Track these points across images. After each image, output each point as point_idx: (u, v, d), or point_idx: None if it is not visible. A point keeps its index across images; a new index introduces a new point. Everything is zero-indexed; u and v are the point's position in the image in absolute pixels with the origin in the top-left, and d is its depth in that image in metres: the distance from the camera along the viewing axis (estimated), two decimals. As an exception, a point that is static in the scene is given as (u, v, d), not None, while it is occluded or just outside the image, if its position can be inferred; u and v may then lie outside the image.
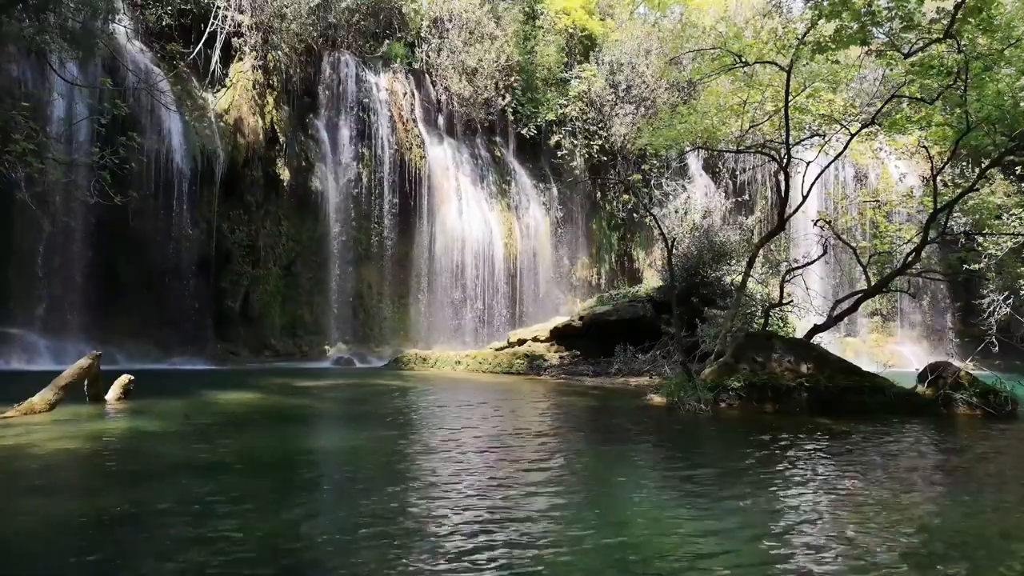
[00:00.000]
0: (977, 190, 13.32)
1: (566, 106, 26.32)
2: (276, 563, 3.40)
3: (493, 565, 3.35)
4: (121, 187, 13.08)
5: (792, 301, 14.09)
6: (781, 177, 12.70)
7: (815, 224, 14.92)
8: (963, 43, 9.71)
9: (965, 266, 17.45)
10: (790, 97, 11.42)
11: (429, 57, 24.50)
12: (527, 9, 27.13)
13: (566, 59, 27.36)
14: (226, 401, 9.89)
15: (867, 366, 11.44)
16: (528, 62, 26.20)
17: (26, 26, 13.12)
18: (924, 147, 13.40)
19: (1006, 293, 20.10)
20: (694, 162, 28.07)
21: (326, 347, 20.81)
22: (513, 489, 4.89)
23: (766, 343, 10.62)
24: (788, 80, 11.20)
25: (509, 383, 14.06)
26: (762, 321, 13.63)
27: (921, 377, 10.30)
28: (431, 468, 5.68)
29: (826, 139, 13.60)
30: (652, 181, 26.00)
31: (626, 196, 26.70)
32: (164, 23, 19.06)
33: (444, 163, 24.06)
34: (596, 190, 27.73)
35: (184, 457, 5.86)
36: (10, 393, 7.91)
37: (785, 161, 12.24)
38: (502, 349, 18.38)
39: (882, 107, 12.07)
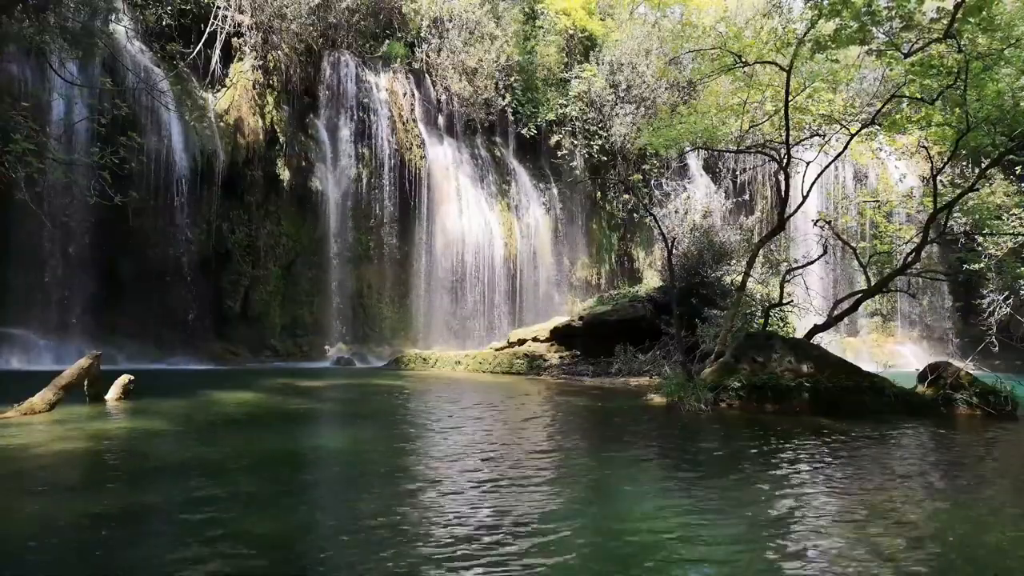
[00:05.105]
0: (977, 190, 13.30)
1: (566, 106, 26.30)
2: (277, 562, 3.40)
3: (493, 566, 3.35)
4: (121, 187, 13.06)
5: (792, 301, 14.07)
6: (781, 177, 12.71)
7: (815, 224, 14.92)
8: (963, 43, 9.70)
9: (965, 266, 17.44)
10: (790, 97, 11.42)
11: (429, 57, 24.48)
12: (527, 9, 27.10)
13: (566, 59, 27.34)
14: (226, 401, 9.89)
15: (867, 366, 11.43)
16: (528, 62, 26.17)
17: (26, 26, 13.11)
18: (924, 147, 13.40)
19: (1006, 293, 20.07)
20: (694, 162, 28.05)
21: (326, 347, 20.81)
22: (512, 489, 4.89)
23: (766, 343, 10.62)
24: (788, 80, 11.20)
25: (509, 383, 14.06)
26: (762, 321, 13.62)
27: (921, 377, 10.31)
28: (432, 468, 5.68)
29: (826, 139, 13.59)
30: (652, 181, 26.01)
31: (626, 196, 26.69)
32: (164, 23, 19.04)
33: (444, 163, 24.03)
34: (596, 190, 27.70)
35: (184, 457, 5.87)
36: (10, 393, 7.91)
37: (785, 161, 12.24)
38: (502, 349, 18.37)
39: (882, 107, 12.06)
